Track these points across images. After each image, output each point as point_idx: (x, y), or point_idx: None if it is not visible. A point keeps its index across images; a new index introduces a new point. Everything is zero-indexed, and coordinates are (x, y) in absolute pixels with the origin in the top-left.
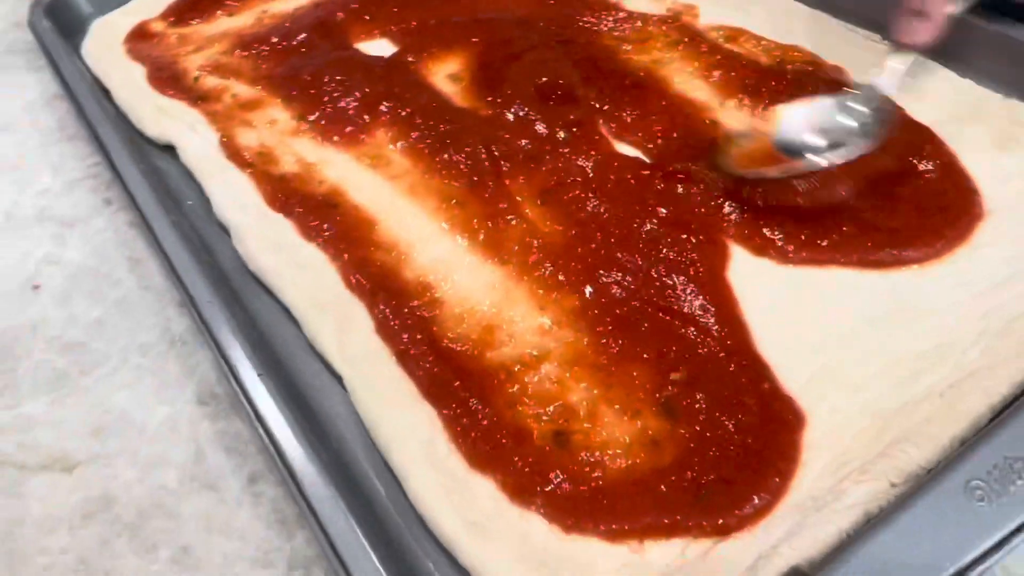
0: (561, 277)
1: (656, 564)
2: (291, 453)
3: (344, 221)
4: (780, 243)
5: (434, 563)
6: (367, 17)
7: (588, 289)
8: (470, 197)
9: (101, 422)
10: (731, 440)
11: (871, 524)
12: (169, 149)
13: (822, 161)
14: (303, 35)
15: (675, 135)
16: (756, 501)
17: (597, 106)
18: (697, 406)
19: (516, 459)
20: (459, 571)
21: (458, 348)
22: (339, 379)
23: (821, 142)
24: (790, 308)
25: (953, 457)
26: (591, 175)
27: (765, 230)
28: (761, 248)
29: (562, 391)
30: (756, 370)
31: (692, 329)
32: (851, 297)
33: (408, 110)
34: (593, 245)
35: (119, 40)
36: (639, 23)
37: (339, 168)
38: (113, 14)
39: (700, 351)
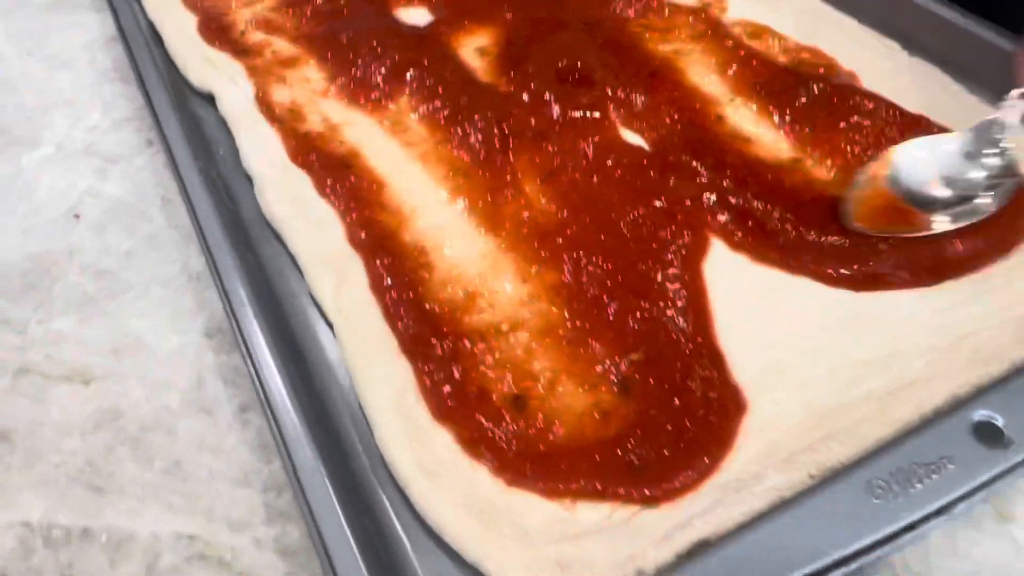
0: (545, 254)
1: (584, 523)
2: (272, 388)
3: (356, 181)
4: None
5: (389, 499)
6: None
7: (567, 267)
8: (476, 170)
9: (120, 344)
10: (673, 421)
11: (777, 508)
12: (209, 98)
13: (948, 224)
14: None
15: (679, 127)
16: (684, 478)
17: (610, 92)
18: (647, 386)
19: (475, 416)
20: (410, 508)
21: (440, 310)
22: (332, 328)
23: (947, 194)
24: (756, 304)
25: (865, 456)
26: (590, 159)
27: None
28: (739, 244)
29: (528, 359)
30: (710, 359)
31: (659, 314)
32: (815, 301)
33: (432, 80)
34: (579, 227)
35: None
36: (667, 12)
37: (360, 131)
38: None
39: (662, 335)
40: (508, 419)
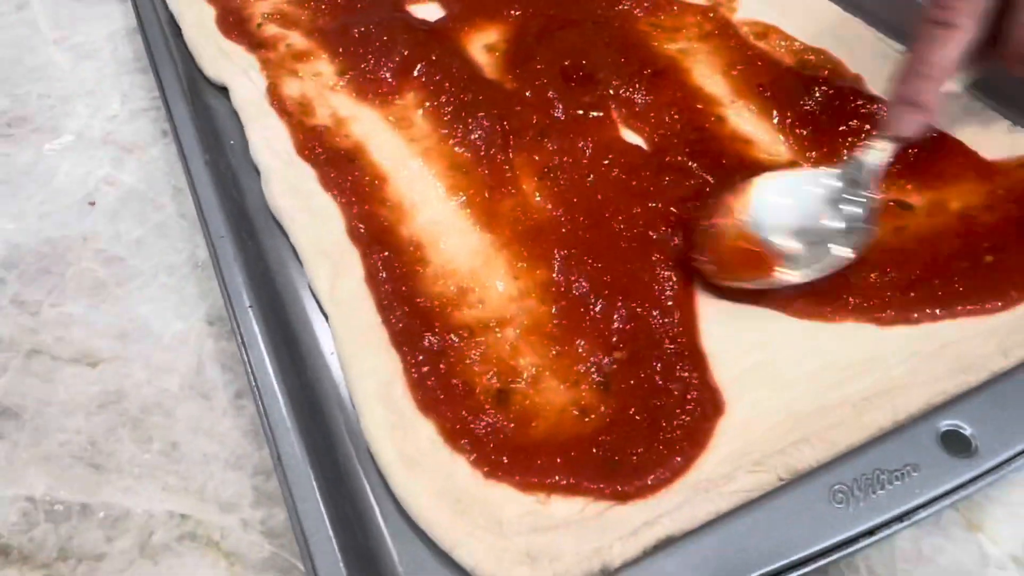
0: (537, 251)
1: (556, 516)
2: (263, 375)
3: (359, 176)
4: None
5: (371, 486)
6: None
7: (557, 265)
8: (475, 166)
9: (126, 328)
10: (650, 420)
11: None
12: (224, 90)
13: (795, 277)
14: None
15: (679, 127)
16: (656, 476)
17: (612, 91)
18: (628, 385)
19: (459, 409)
20: (390, 496)
21: (431, 304)
22: (327, 318)
23: (799, 246)
24: (741, 306)
25: (833, 461)
26: (588, 158)
27: None
28: None
29: (514, 355)
30: (692, 360)
31: (644, 313)
32: None
33: (438, 76)
34: (572, 225)
35: None
36: (676, 10)
37: (366, 125)
38: None
39: (646, 335)
40: (490, 413)
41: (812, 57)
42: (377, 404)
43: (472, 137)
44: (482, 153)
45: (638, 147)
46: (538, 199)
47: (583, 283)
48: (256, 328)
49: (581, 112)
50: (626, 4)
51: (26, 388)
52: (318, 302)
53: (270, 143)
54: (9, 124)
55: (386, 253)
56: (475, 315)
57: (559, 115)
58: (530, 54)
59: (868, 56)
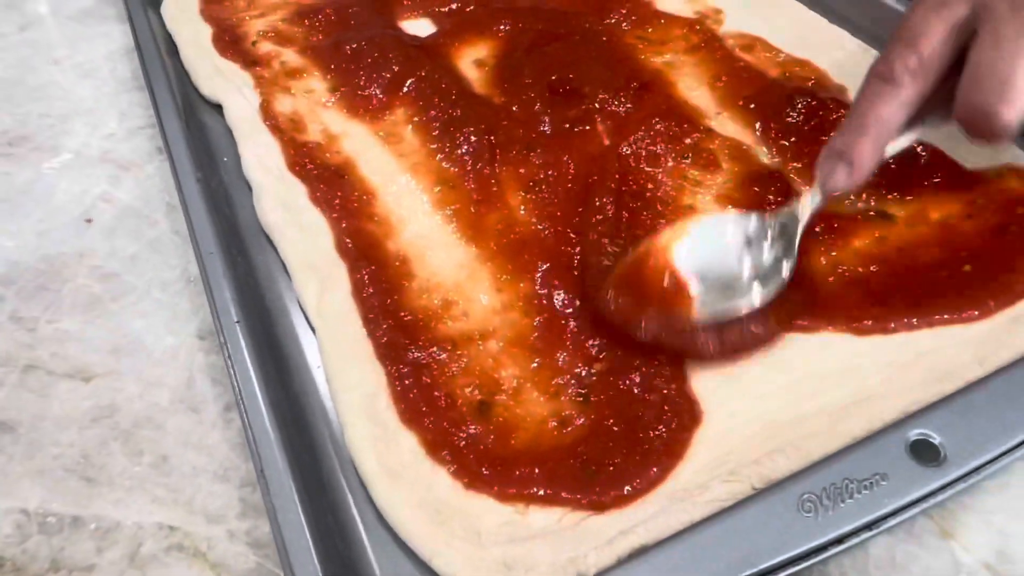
0: (521, 264)
1: (534, 526)
2: (248, 389)
3: (348, 191)
4: None
5: (354, 498)
6: None
7: (539, 279)
8: (462, 181)
9: (119, 343)
10: (627, 431)
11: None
12: (218, 107)
13: (707, 316)
14: (354, 9)
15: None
16: (633, 486)
17: (598, 105)
18: (607, 396)
19: (440, 421)
20: (372, 508)
21: (415, 318)
22: (315, 332)
23: (701, 288)
24: None
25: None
26: (573, 172)
27: None
28: None
29: (496, 367)
30: (671, 372)
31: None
32: None
33: (428, 91)
34: (555, 238)
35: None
36: (662, 23)
37: (356, 141)
38: None
39: (626, 346)
40: (471, 425)
41: (797, 68)
42: (361, 416)
43: (459, 152)
44: (469, 167)
45: (621, 159)
46: (523, 213)
47: (564, 295)
48: (243, 342)
49: (567, 126)
50: (614, 18)
51: (22, 403)
52: (305, 316)
53: (262, 160)
54: (10, 143)
55: (372, 267)
56: (459, 328)
57: (546, 129)
58: (518, 69)
59: (853, 67)
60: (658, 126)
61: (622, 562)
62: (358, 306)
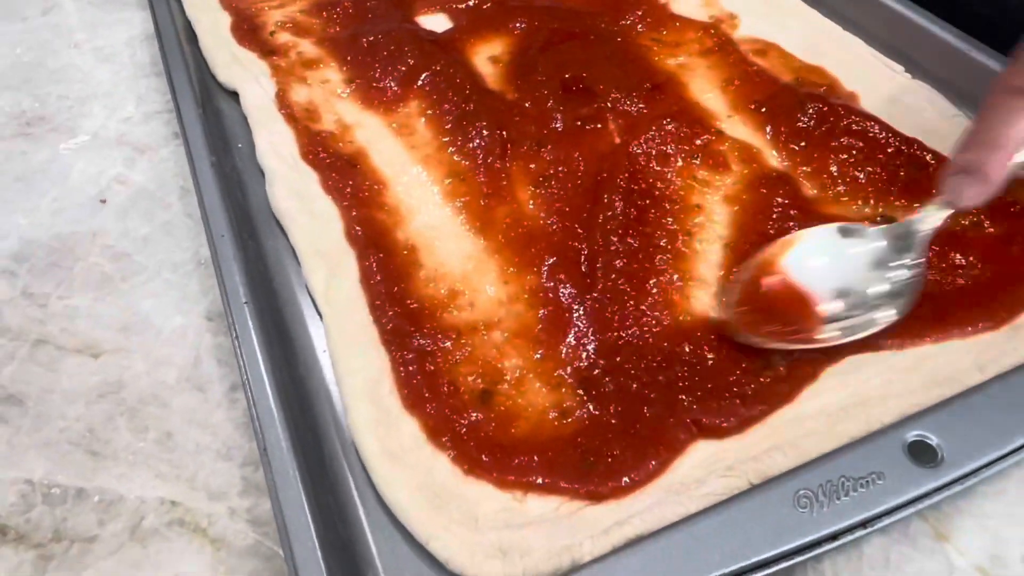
0: (527, 257)
1: (531, 514)
2: (254, 369)
3: (360, 181)
4: None
5: (355, 480)
6: None
7: (545, 272)
8: (473, 174)
9: (128, 322)
10: (627, 425)
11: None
12: (235, 94)
13: (838, 336)
14: (372, 2)
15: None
16: (630, 479)
17: (610, 104)
18: (608, 390)
19: (442, 407)
20: (372, 490)
21: (422, 306)
22: (322, 317)
23: (842, 307)
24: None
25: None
26: (582, 168)
27: None
28: None
29: (500, 357)
30: (672, 368)
31: (628, 322)
32: None
33: (442, 85)
34: (563, 233)
35: None
36: (677, 25)
37: (369, 132)
38: None
39: (629, 341)
40: (473, 412)
41: (809, 74)
42: (364, 400)
43: (471, 145)
44: (480, 161)
45: (631, 157)
46: (531, 207)
47: (568, 289)
48: (250, 323)
49: (579, 123)
50: (629, 19)
51: (31, 376)
52: (313, 301)
53: (276, 147)
54: (29, 123)
55: (381, 256)
56: (464, 317)
57: (557, 126)
58: (532, 66)
59: (864, 74)
60: (669, 126)
61: (616, 550)
62: (365, 293)
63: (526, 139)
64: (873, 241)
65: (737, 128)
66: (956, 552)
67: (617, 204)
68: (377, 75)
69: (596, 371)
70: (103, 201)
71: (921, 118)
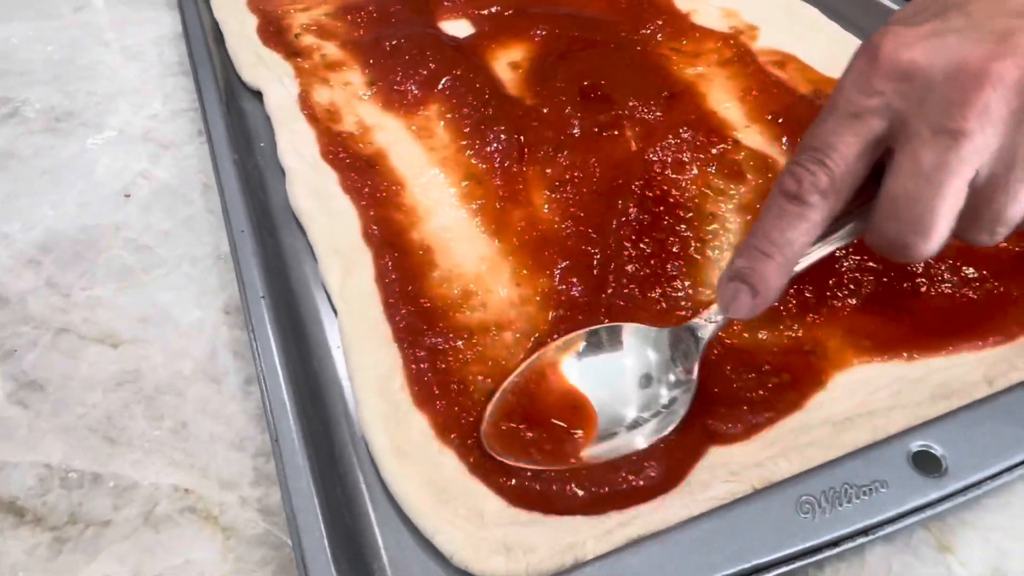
0: (541, 261)
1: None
2: (267, 361)
3: (378, 181)
4: None
5: (363, 472)
6: None
7: (558, 275)
8: (489, 177)
9: (148, 313)
10: None
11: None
12: (258, 94)
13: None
14: (396, 7)
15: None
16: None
17: (628, 112)
18: None
19: (452, 405)
20: (381, 484)
21: (434, 306)
22: (337, 314)
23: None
24: None
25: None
26: (597, 174)
27: None
28: None
29: (510, 358)
30: None
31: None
32: None
33: (463, 90)
34: (577, 238)
35: None
36: (697, 35)
37: (389, 134)
38: None
39: None
40: (480, 411)
41: (828, 87)
42: (375, 395)
43: (489, 149)
44: (497, 164)
45: (647, 165)
46: (547, 211)
47: (579, 293)
48: (266, 317)
49: (596, 130)
50: (649, 29)
51: (52, 363)
52: (329, 298)
53: (297, 147)
54: (58, 118)
55: (396, 255)
56: (477, 318)
57: (575, 132)
58: (552, 72)
59: None
60: (686, 135)
61: (619, 550)
62: (380, 291)
63: (543, 144)
64: (652, 350)
65: (753, 138)
66: (958, 564)
67: (631, 210)
68: (399, 78)
69: None
70: (127, 195)
71: None
